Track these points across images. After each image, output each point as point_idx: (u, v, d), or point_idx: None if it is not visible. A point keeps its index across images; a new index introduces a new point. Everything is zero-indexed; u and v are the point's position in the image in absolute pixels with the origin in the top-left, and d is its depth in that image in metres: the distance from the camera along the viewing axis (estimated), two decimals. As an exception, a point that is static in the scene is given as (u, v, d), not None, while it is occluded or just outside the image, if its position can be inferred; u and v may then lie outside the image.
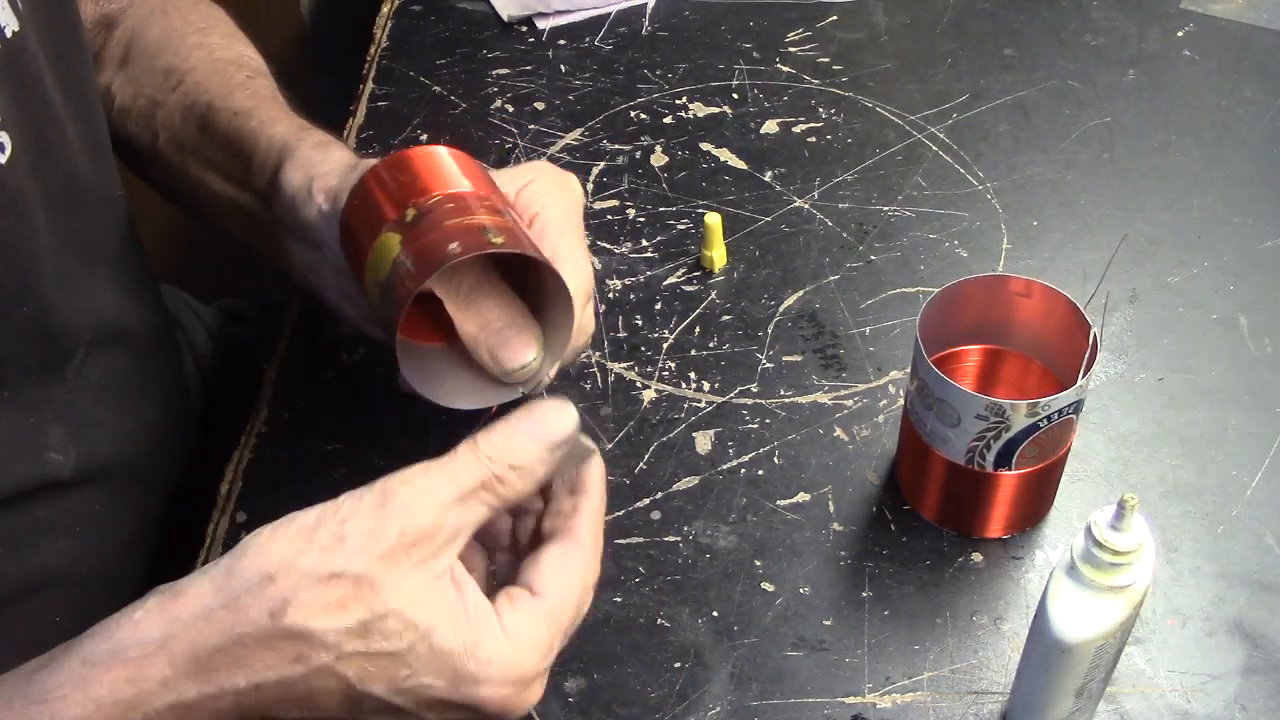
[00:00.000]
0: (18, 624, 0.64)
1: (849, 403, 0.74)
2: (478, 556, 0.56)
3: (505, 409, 0.54)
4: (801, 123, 0.92)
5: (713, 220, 0.80)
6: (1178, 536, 0.67)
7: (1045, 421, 0.60)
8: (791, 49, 0.98)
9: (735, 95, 0.94)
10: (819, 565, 0.67)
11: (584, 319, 0.63)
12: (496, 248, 0.56)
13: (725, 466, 0.71)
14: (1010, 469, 0.63)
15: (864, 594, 0.65)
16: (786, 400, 0.74)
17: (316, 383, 0.77)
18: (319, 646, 0.47)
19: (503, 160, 0.89)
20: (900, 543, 0.67)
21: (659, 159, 0.89)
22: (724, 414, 0.74)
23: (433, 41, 1.00)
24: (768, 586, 0.66)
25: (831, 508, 0.69)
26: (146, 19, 0.77)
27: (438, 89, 0.95)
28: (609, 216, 0.85)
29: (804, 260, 0.82)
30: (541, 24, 1.01)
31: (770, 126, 0.92)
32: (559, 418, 0.52)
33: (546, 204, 0.63)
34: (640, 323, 0.79)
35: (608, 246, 0.83)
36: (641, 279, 0.81)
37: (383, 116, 0.93)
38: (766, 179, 0.88)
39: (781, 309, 0.79)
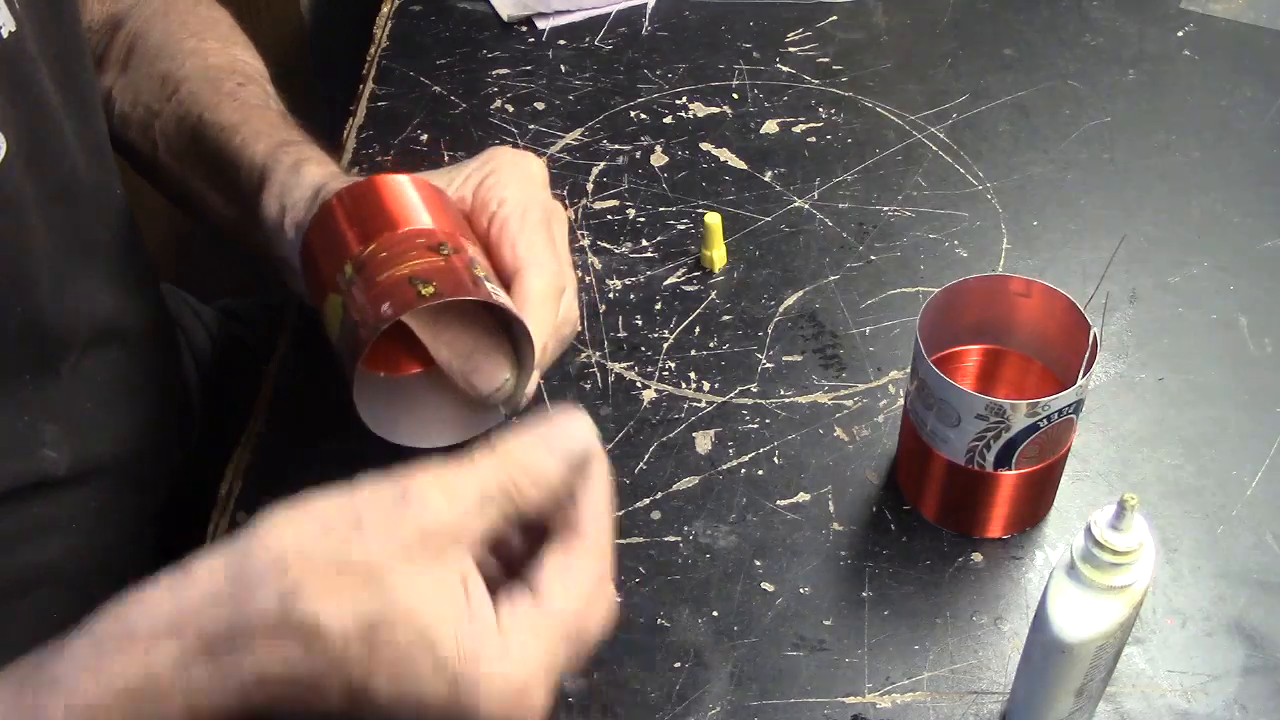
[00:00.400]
0: (13, 622, 0.65)
1: (849, 403, 0.74)
2: (491, 568, 0.56)
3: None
4: (801, 123, 0.92)
5: (713, 220, 0.80)
6: (1178, 536, 0.67)
7: (1045, 421, 0.60)
8: (791, 49, 0.98)
9: (735, 95, 0.94)
10: (819, 565, 0.67)
11: (568, 310, 0.63)
12: (426, 301, 0.55)
13: (725, 466, 0.71)
14: (1010, 469, 0.63)
15: (864, 594, 0.65)
16: (786, 400, 0.74)
17: (316, 383, 0.77)
18: (327, 641, 0.47)
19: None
20: (900, 543, 0.67)
21: (659, 159, 0.89)
22: (724, 414, 0.74)
23: (433, 41, 1.00)
24: (768, 586, 0.66)
25: (831, 508, 0.69)
26: (149, 20, 0.77)
27: (438, 89, 0.95)
28: (609, 216, 0.85)
29: (804, 260, 0.82)
30: (541, 24, 1.01)
31: (770, 126, 0.92)
32: (575, 429, 0.52)
33: (504, 199, 0.63)
34: (640, 323, 0.79)
35: (608, 246, 0.83)
36: (641, 279, 0.81)
37: (383, 116, 0.93)
38: (766, 179, 0.88)
39: (781, 309, 0.79)
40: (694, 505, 0.69)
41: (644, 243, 0.83)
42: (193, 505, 0.74)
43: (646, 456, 0.72)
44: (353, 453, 0.73)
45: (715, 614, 0.65)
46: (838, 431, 0.73)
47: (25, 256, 0.61)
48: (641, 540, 0.68)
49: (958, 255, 0.82)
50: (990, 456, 0.62)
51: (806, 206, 0.86)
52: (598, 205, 0.86)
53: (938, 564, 0.67)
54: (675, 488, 0.70)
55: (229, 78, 0.74)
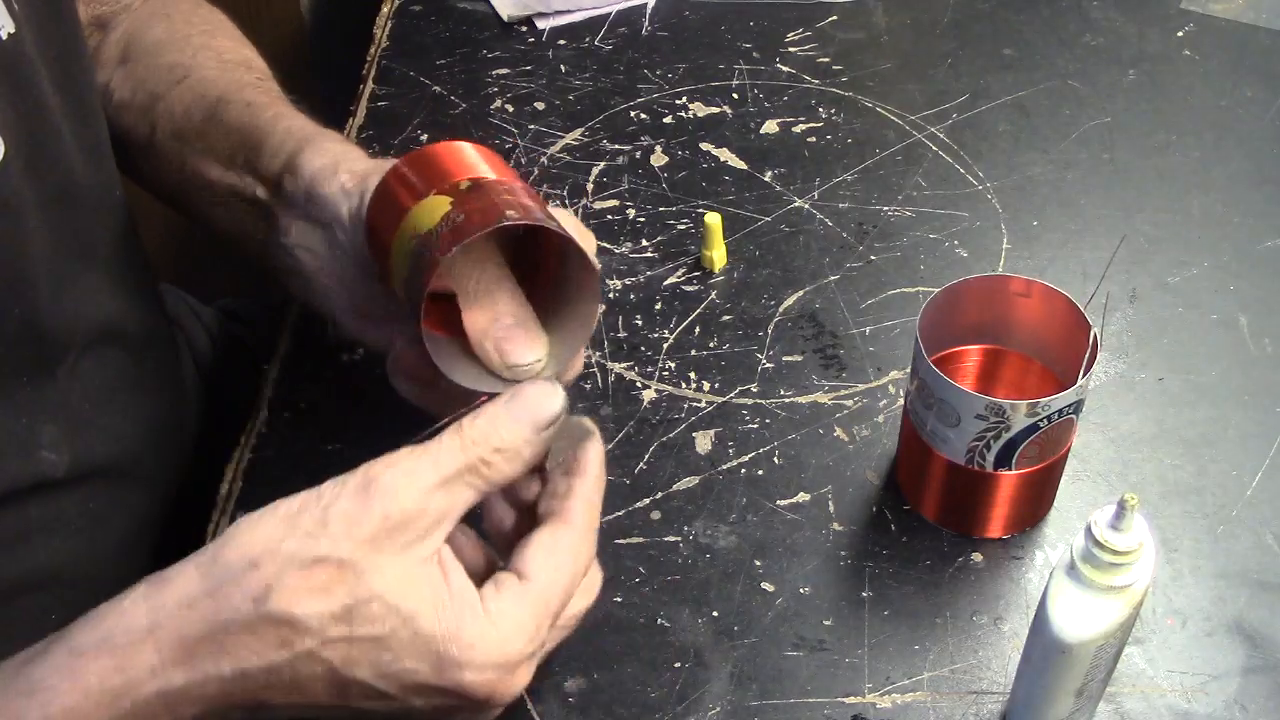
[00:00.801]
0: (12, 623, 0.64)
1: (849, 403, 0.74)
2: (478, 550, 0.56)
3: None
4: (801, 123, 0.92)
5: (713, 220, 0.80)
6: (1178, 536, 0.67)
7: (1045, 421, 0.60)
8: (791, 49, 0.98)
9: (735, 95, 0.94)
10: (819, 565, 0.67)
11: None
12: (547, 224, 0.56)
13: (725, 466, 0.71)
14: (1010, 469, 0.63)
15: (864, 594, 0.65)
16: (786, 400, 0.74)
17: (316, 383, 0.77)
18: (303, 632, 0.47)
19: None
20: (900, 543, 0.67)
21: (659, 159, 0.89)
22: (724, 414, 0.74)
23: (433, 41, 1.00)
24: (768, 586, 0.66)
25: (831, 508, 0.69)
26: (146, 21, 0.77)
27: (438, 89, 0.95)
28: (609, 216, 0.85)
29: (804, 260, 0.82)
30: (541, 24, 1.01)
31: (770, 126, 0.92)
32: (545, 399, 0.53)
33: None
34: (640, 323, 0.79)
35: (608, 246, 0.83)
36: (641, 279, 0.81)
37: (383, 116, 0.93)
38: (766, 179, 0.88)
39: (781, 309, 0.79)
40: (694, 505, 0.69)
41: (644, 243, 0.83)
42: (193, 505, 0.74)
43: (646, 456, 0.72)
44: (353, 453, 0.73)
45: (715, 614, 0.65)
46: (838, 431, 0.73)
47: (23, 258, 0.61)
48: (641, 540, 0.68)
49: (958, 255, 0.82)
50: (990, 456, 0.62)
51: (806, 206, 0.86)
52: (598, 205, 0.86)
53: (938, 564, 0.67)
54: (675, 488, 0.70)
55: (247, 72, 0.75)
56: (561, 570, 0.52)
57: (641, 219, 0.85)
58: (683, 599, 0.66)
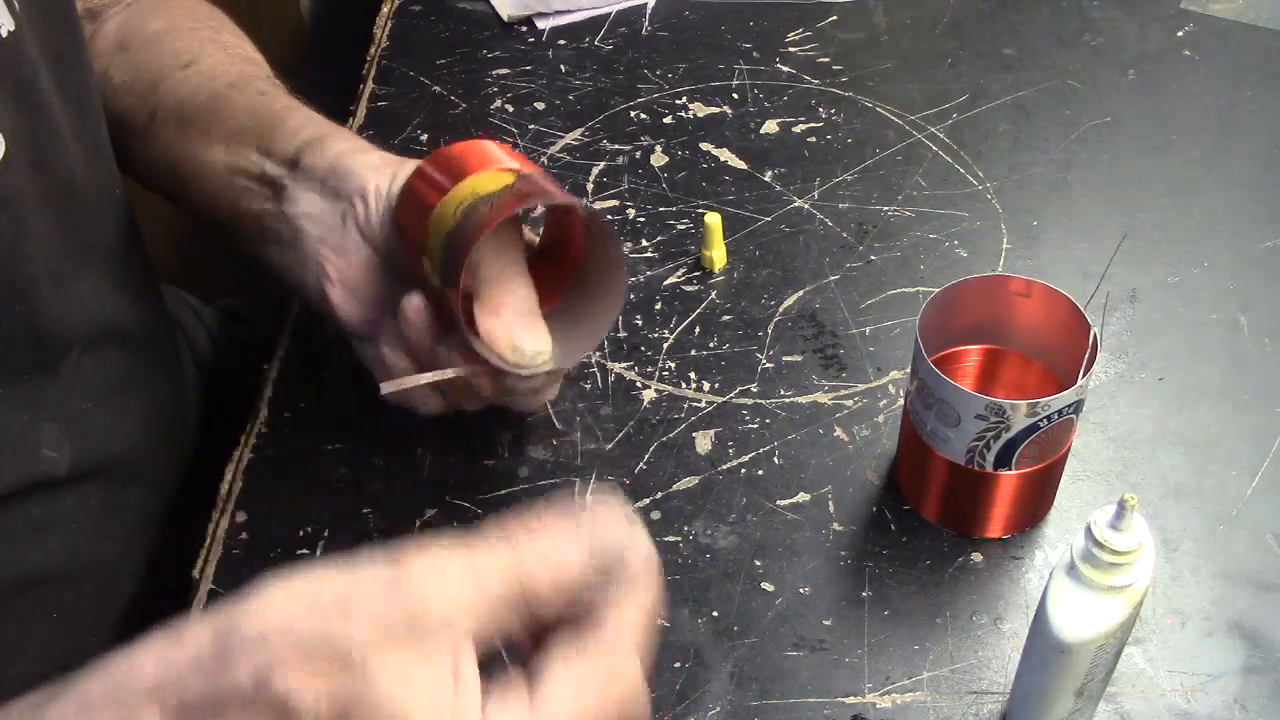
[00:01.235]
0: (13, 622, 0.64)
1: (849, 403, 0.74)
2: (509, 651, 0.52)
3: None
4: (801, 123, 0.92)
5: (713, 220, 0.80)
6: (1178, 536, 0.67)
7: (1045, 421, 0.60)
8: (791, 49, 0.98)
9: (735, 95, 0.94)
10: (819, 565, 0.67)
11: None
12: (591, 213, 0.59)
13: (725, 466, 0.71)
14: (1010, 469, 0.63)
15: (864, 594, 0.65)
16: (786, 400, 0.74)
17: (316, 383, 0.77)
18: (297, 717, 0.45)
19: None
20: (900, 543, 0.67)
21: (659, 159, 0.89)
22: (724, 414, 0.74)
23: (433, 41, 1.00)
24: (768, 586, 0.66)
25: (831, 508, 0.69)
26: (144, 14, 0.77)
27: (438, 89, 0.95)
28: (609, 216, 0.85)
29: (804, 260, 0.82)
30: (541, 24, 1.01)
31: (770, 126, 0.92)
32: (613, 526, 0.45)
33: None
34: (640, 323, 0.79)
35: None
36: (641, 279, 0.81)
37: (383, 116, 0.93)
38: (766, 179, 0.88)
39: (781, 309, 0.79)
40: (694, 505, 0.69)
41: (644, 243, 0.83)
42: (193, 505, 0.74)
43: (646, 456, 0.72)
44: (353, 453, 0.73)
45: (715, 614, 0.65)
46: (838, 431, 0.73)
47: (24, 256, 0.60)
48: (641, 540, 0.68)
49: (958, 255, 0.82)
50: (990, 456, 0.62)
51: (806, 206, 0.86)
52: (598, 205, 0.86)
53: (938, 564, 0.67)
54: (675, 488, 0.70)
55: (257, 68, 0.75)
56: (583, 695, 0.44)
57: (641, 219, 0.85)
58: (683, 599, 0.66)
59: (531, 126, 0.92)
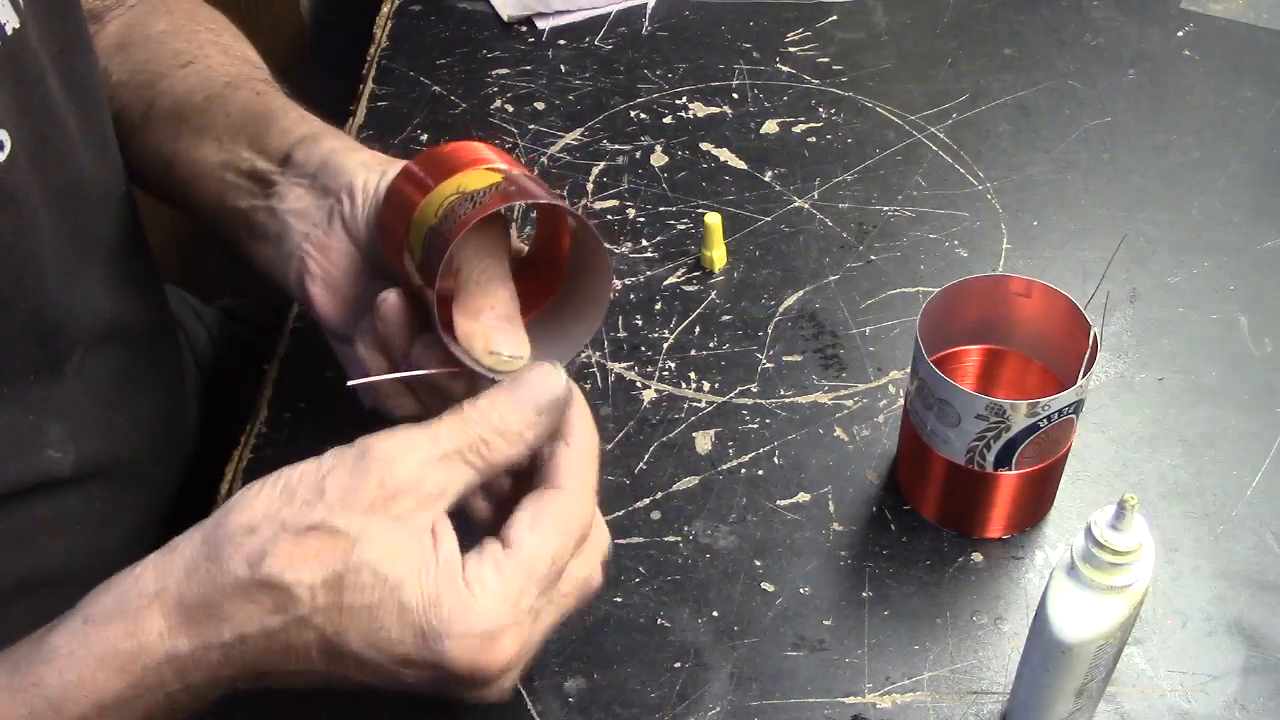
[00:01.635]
0: (17, 622, 0.64)
1: (849, 403, 0.74)
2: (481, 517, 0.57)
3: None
4: (801, 123, 0.92)
5: (713, 220, 0.80)
6: (1178, 536, 0.67)
7: (1045, 421, 0.60)
8: (791, 49, 0.98)
9: (735, 95, 0.94)
10: (819, 565, 0.67)
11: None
12: (577, 216, 0.59)
13: (725, 466, 0.71)
14: (1010, 469, 0.63)
15: (864, 594, 0.65)
16: (786, 400, 0.74)
17: (316, 383, 0.77)
18: (294, 598, 0.49)
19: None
20: (900, 543, 0.67)
21: (659, 159, 0.89)
22: (724, 414, 0.74)
23: (433, 41, 1.00)
24: (768, 586, 0.66)
25: (831, 508, 0.69)
26: (146, 15, 0.77)
27: (438, 89, 0.96)
28: (609, 216, 0.85)
29: (804, 260, 0.82)
30: (541, 24, 1.01)
31: (770, 126, 0.92)
32: (547, 381, 0.53)
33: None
34: (640, 323, 0.79)
35: (608, 246, 0.83)
36: (641, 279, 0.81)
37: (383, 116, 0.93)
38: (766, 179, 0.88)
39: (781, 309, 0.79)
40: (694, 505, 0.69)
41: (644, 243, 0.83)
42: (193, 505, 0.74)
43: (646, 456, 0.72)
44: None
45: (715, 614, 0.65)
46: (838, 431, 0.73)
47: (31, 253, 0.61)
48: (641, 540, 0.68)
49: (958, 255, 0.82)
50: (990, 456, 0.62)
51: (806, 206, 0.86)
52: (598, 205, 0.86)
53: (938, 564, 0.67)
54: (675, 488, 0.70)
55: (255, 70, 0.75)
56: (548, 536, 0.52)
57: (641, 219, 0.85)
58: (683, 599, 0.66)
59: (531, 126, 0.92)
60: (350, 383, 0.61)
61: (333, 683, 0.52)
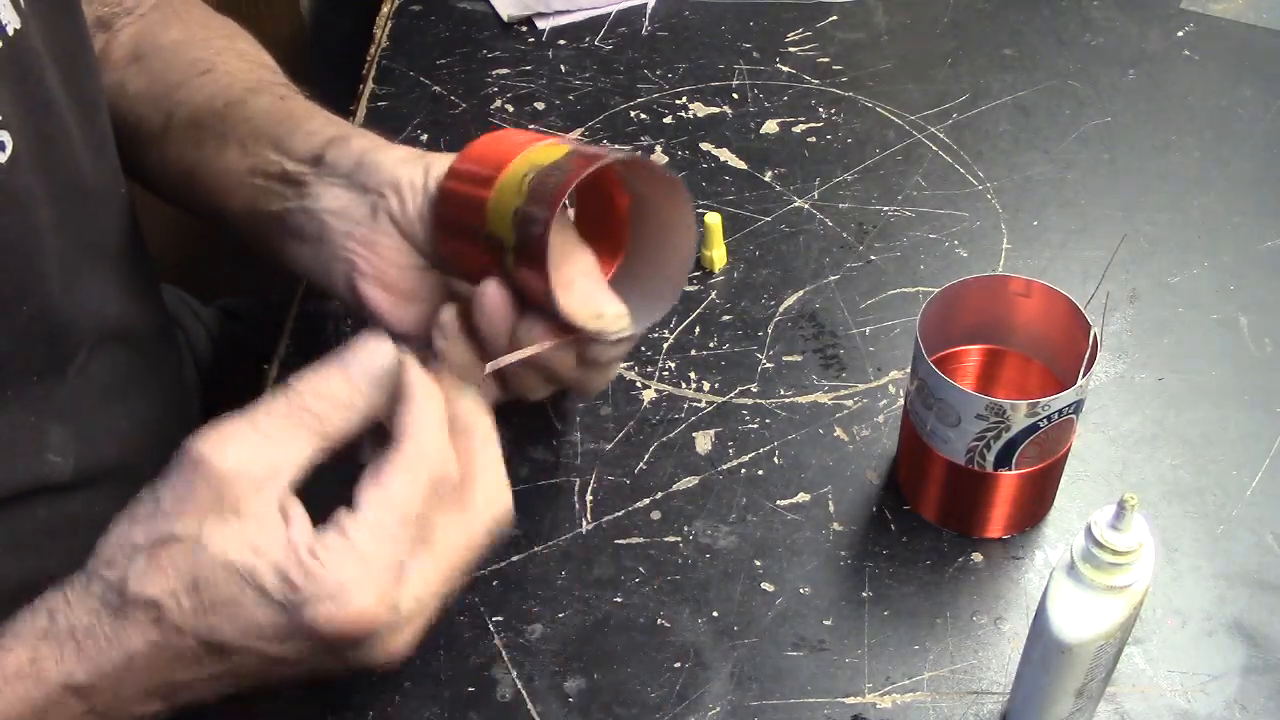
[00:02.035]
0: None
1: (849, 403, 0.74)
2: None
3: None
4: (801, 123, 0.92)
5: (713, 220, 0.80)
6: (1178, 536, 0.67)
7: (1045, 421, 0.60)
8: (791, 49, 0.98)
9: (735, 95, 0.94)
10: (819, 565, 0.67)
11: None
12: (659, 168, 0.59)
13: (725, 466, 0.71)
14: (1010, 469, 0.63)
15: (864, 594, 0.65)
16: (786, 400, 0.74)
17: (316, 383, 0.77)
18: (163, 608, 0.50)
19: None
20: (900, 543, 0.67)
21: (659, 159, 0.89)
22: (724, 414, 0.74)
23: (433, 41, 1.00)
24: (768, 586, 0.66)
25: (831, 508, 0.69)
26: (159, 24, 0.77)
27: (438, 89, 0.96)
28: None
29: (804, 260, 0.82)
30: (541, 24, 1.01)
31: (770, 126, 0.92)
32: (374, 351, 0.54)
33: None
34: (640, 323, 0.79)
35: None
36: (641, 279, 0.81)
37: (383, 116, 0.93)
38: (766, 179, 0.88)
39: (781, 309, 0.79)
40: (694, 505, 0.69)
41: (644, 243, 0.83)
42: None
43: (646, 456, 0.72)
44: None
45: (715, 614, 0.65)
46: (838, 431, 0.73)
47: (32, 255, 0.61)
48: (641, 540, 0.68)
49: (958, 255, 0.82)
50: (990, 456, 0.62)
51: (806, 206, 0.86)
52: (598, 205, 0.86)
53: (938, 564, 0.67)
54: (675, 488, 0.70)
55: (274, 75, 0.75)
56: (389, 487, 0.52)
57: (641, 219, 0.85)
58: (683, 599, 0.66)
59: (531, 126, 0.92)
60: (489, 367, 0.60)
61: (244, 681, 0.53)
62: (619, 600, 0.66)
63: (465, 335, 0.61)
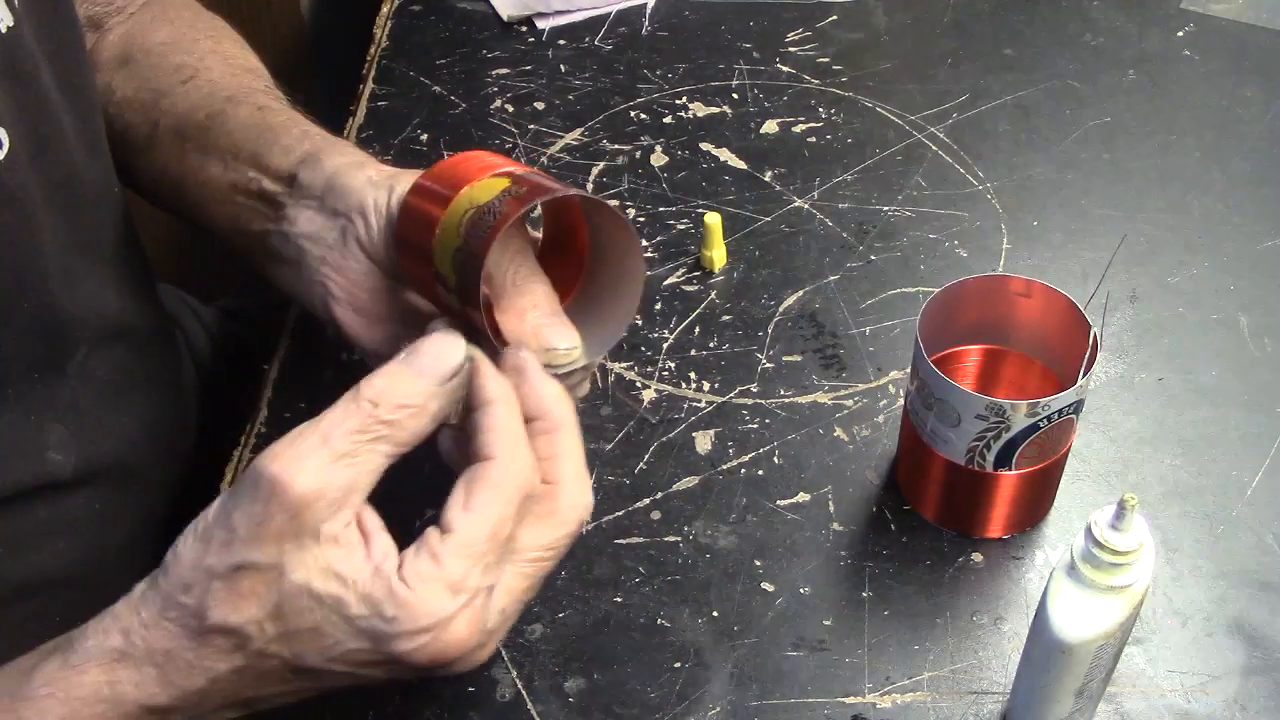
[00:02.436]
0: (17, 625, 0.64)
1: (849, 403, 0.74)
2: None
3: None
4: (801, 123, 0.92)
5: (713, 220, 0.80)
6: (1178, 536, 0.67)
7: (1045, 421, 0.60)
8: (791, 49, 0.98)
9: (735, 95, 0.94)
10: (819, 565, 0.67)
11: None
12: (594, 201, 0.58)
13: (725, 466, 0.71)
14: (1010, 469, 0.63)
15: (864, 594, 0.65)
16: (786, 400, 0.74)
17: (316, 383, 0.77)
18: (247, 635, 0.49)
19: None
20: (900, 543, 0.67)
21: (659, 159, 0.89)
22: (724, 414, 0.74)
23: (433, 41, 1.00)
24: (768, 586, 0.66)
25: (831, 508, 0.69)
26: (148, 25, 0.77)
27: (438, 89, 0.95)
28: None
29: (804, 260, 0.82)
30: (541, 24, 1.01)
31: (770, 126, 0.92)
32: (446, 349, 0.52)
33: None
34: (640, 323, 0.79)
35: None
36: (641, 279, 0.81)
37: (383, 116, 0.93)
38: (766, 179, 0.88)
39: (781, 309, 0.79)
40: (694, 505, 0.69)
41: (644, 243, 0.83)
42: (194, 506, 0.74)
43: (646, 456, 0.72)
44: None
45: (715, 614, 0.65)
46: (838, 431, 0.73)
47: (32, 253, 0.61)
48: (641, 540, 0.68)
49: (958, 255, 0.82)
50: (990, 456, 0.62)
51: (806, 206, 0.86)
52: (598, 205, 0.86)
53: (938, 564, 0.67)
54: (675, 488, 0.70)
55: (256, 79, 0.75)
56: (483, 511, 0.50)
57: (641, 219, 0.85)
58: (683, 599, 0.66)
59: (531, 126, 0.92)
60: None
61: (324, 688, 0.52)
62: (619, 600, 0.66)
63: None
